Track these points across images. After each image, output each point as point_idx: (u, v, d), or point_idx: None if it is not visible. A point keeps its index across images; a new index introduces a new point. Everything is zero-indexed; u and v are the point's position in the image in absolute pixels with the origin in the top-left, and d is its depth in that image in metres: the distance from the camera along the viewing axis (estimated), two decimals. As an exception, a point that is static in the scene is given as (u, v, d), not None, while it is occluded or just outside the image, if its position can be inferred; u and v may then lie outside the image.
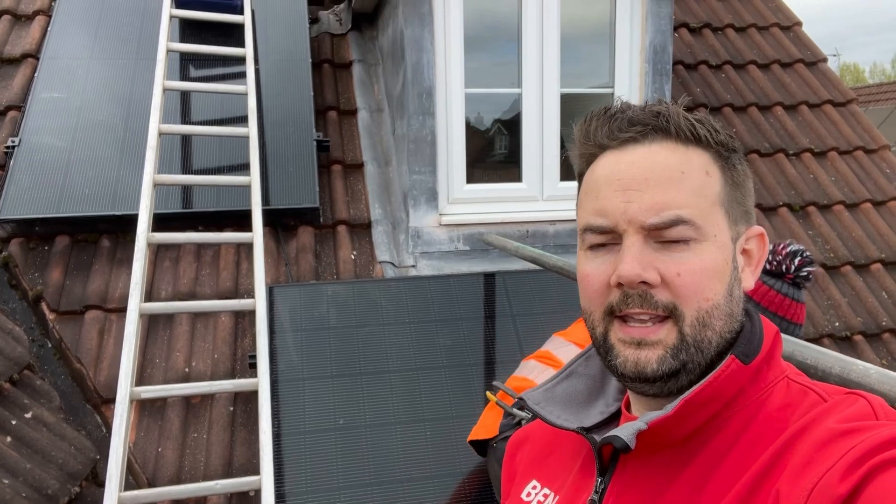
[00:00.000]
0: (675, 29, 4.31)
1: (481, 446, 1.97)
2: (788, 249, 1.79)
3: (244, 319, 2.86)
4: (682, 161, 0.69)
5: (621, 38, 3.30)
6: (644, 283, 0.67)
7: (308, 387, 2.54)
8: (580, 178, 0.77)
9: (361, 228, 3.24)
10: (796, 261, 1.77)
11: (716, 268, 0.68)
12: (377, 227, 3.23)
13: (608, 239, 0.70)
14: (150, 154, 2.59)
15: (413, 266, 3.15)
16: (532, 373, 1.94)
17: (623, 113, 0.72)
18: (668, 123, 0.70)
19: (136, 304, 2.13)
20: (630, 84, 3.33)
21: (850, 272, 3.45)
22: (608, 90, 3.35)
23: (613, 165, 0.71)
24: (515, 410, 1.81)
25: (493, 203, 3.26)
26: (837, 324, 3.23)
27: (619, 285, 0.68)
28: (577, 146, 0.77)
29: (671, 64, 3.37)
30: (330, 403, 2.52)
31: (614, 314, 0.70)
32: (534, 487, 0.84)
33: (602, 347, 0.72)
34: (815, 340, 3.18)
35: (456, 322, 2.84)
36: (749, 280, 0.73)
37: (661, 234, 0.68)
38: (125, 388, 1.96)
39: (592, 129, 0.74)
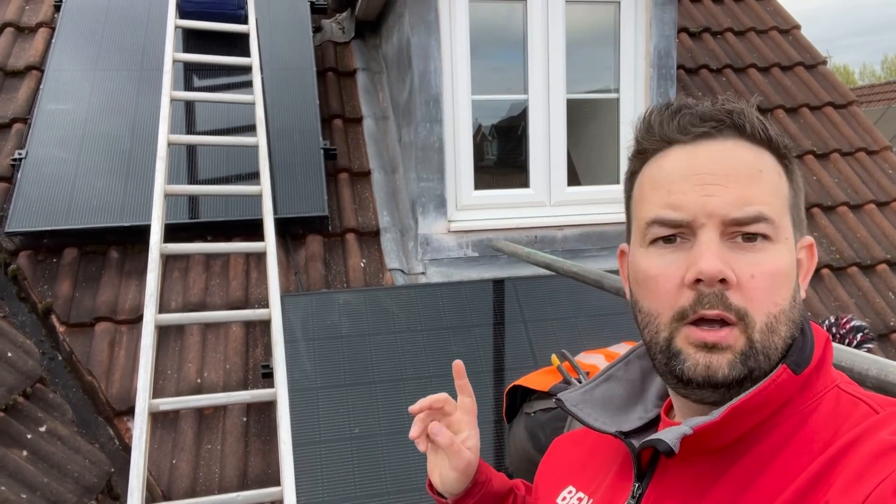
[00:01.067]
0: (677, 34, 4.33)
1: (513, 406, 1.95)
2: (852, 324, 1.86)
3: (255, 329, 2.85)
4: (759, 159, 0.68)
5: (626, 44, 3.31)
6: (722, 281, 0.65)
7: (322, 396, 2.54)
8: (633, 176, 0.75)
9: (370, 236, 3.24)
10: (859, 336, 1.85)
11: (787, 272, 0.67)
12: (386, 235, 3.22)
13: (675, 233, 0.68)
14: (160, 164, 2.59)
15: (423, 273, 3.15)
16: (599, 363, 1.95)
17: (690, 109, 0.70)
18: (743, 121, 0.69)
19: (151, 316, 2.12)
20: (635, 89, 3.35)
21: (856, 273, 3.46)
22: (613, 95, 3.37)
23: (687, 160, 0.69)
24: (573, 381, 1.81)
25: (502, 209, 3.26)
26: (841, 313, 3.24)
27: (696, 283, 0.65)
28: (636, 142, 0.74)
29: (675, 68, 3.39)
30: (345, 412, 2.51)
31: (685, 318, 0.66)
32: (569, 492, 0.83)
33: (665, 353, 0.69)
34: (824, 341, 3.19)
35: (468, 329, 2.84)
36: (802, 290, 0.72)
37: (737, 231, 0.66)
38: (143, 401, 1.95)
39: (657, 123, 0.72)
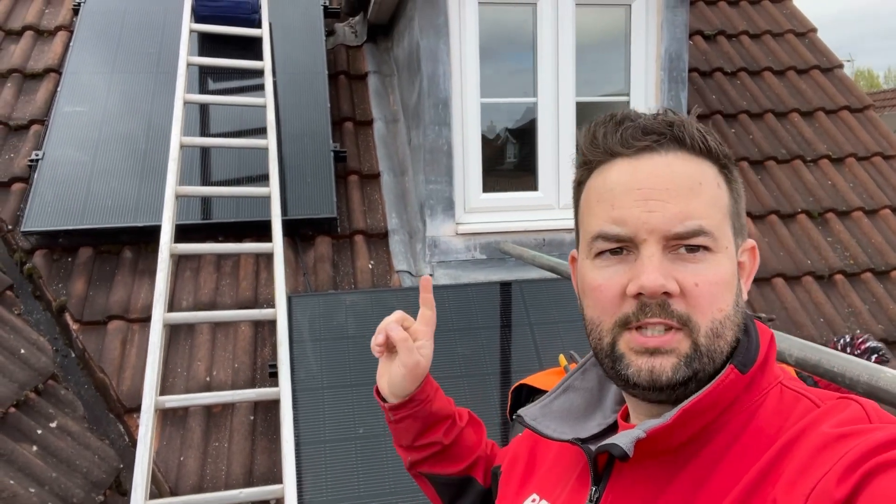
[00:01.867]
0: (690, 36, 4.31)
1: (517, 405, 1.96)
2: (867, 345, 1.83)
3: (264, 329, 2.89)
4: (698, 172, 0.70)
5: (637, 47, 3.31)
6: (665, 293, 0.67)
7: (328, 396, 2.56)
8: (580, 186, 0.77)
9: (378, 238, 3.26)
10: (873, 357, 1.82)
11: (728, 279, 0.69)
12: (394, 237, 3.25)
13: (622, 245, 0.70)
14: (172, 166, 2.63)
15: (430, 275, 3.16)
16: None
17: (633, 121, 0.72)
18: (683, 134, 0.70)
19: (160, 315, 2.16)
20: (646, 92, 3.34)
21: (870, 279, 3.42)
22: (624, 98, 3.36)
23: (630, 174, 0.70)
24: None
25: (510, 212, 3.27)
26: (858, 331, 3.20)
27: (638, 295, 0.68)
28: (581, 153, 0.76)
29: (687, 71, 3.37)
30: (350, 412, 2.53)
31: (628, 325, 0.69)
32: (533, 500, 0.85)
33: (609, 357, 0.71)
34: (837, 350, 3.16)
35: (474, 331, 2.84)
36: (743, 292, 0.74)
37: (679, 244, 0.68)
38: (150, 398, 1.98)
39: (601, 135, 0.73)
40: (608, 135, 0.72)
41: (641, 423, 0.70)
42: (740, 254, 0.74)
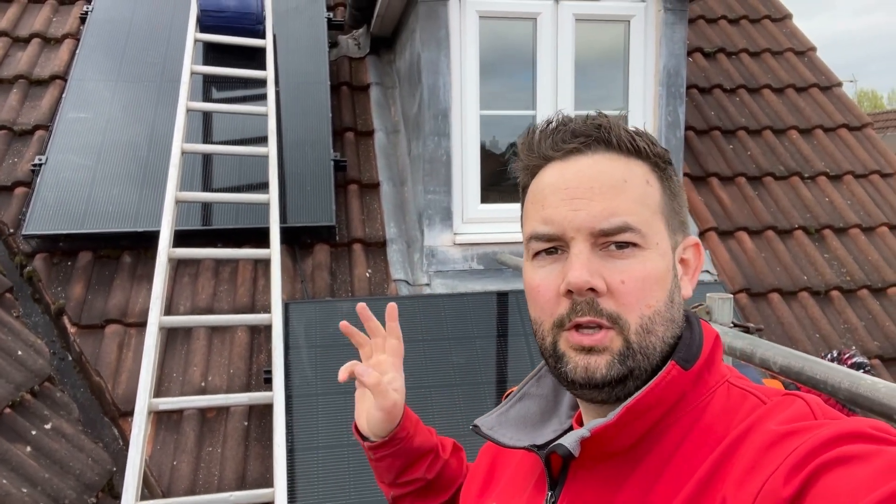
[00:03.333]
0: (690, 53, 4.35)
1: None
2: (854, 360, 1.85)
3: (260, 335, 2.90)
4: (624, 171, 0.72)
5: (635, 62, 3.34)
6: (592, 289, 0.68)
7: (322, 402, 2.57)
8: (524, 191, 0.79)
9: (377, 247, 3.28)
10: (860, 372, 1.86)
11: (658, 275, 0.70)
12: (392, 246, 3.27)
13: (554, 246, 0.72)
14: (172, 171, 2.66)
15: (427, 284, 3.18)
16: None
17: (565, 125, 0.74)
18: (609, 135, 0.72)
19: (156, 317, 2.18)
20: (644, 107, 3.37)
21: (867, 296, 3.42)
22: (622, 113, 3.39)
23: (559, 175, 0.73)
24: None
25: (508, 223, 3.29)
26: (854, 348, 3.20)
27: (568, 293, 0.69)
28: (521, 159, 0.78)
29: (685, 87, 3.41)
30: (343, 419, 2.54)
31: (564, 325, 0.70)
32: None
33: (552, 357, 0.73)
34: (832, 364, 3.16)
35: (469, 340, 2.85)
36: (687, 288, 0.76)
37: (608, 241, 0.69)
38: (144, 400, 2.00)
39: (536, 141, 0.76)
40: (542, 140, 0.75)
41: (588, 423, 0.71)
42: (682, 251, 0.76)
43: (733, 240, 3.57)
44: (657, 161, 0.74)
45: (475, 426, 0.83)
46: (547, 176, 0.74)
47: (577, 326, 0.69)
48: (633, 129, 0.75)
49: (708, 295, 1.57)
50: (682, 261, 0.76)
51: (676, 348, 0.71)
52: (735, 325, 1.49)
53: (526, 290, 0.76)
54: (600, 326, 0.68)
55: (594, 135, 0.72)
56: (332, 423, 2.52)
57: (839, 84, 4.45)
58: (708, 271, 3.42)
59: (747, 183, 3.79)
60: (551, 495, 0.75)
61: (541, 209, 0.72)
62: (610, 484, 0.69)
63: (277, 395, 2.12)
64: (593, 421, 0.70)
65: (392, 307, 1.04)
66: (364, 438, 1.02)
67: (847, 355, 1.91)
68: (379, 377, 0.96)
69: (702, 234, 3.56)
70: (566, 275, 0.69)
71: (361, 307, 1.03)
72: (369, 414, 0.99)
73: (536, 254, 0.73)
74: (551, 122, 0.75)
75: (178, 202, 2.62)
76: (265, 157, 2.98)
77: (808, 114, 4.19)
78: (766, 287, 3.36)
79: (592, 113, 0.76)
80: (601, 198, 0.69)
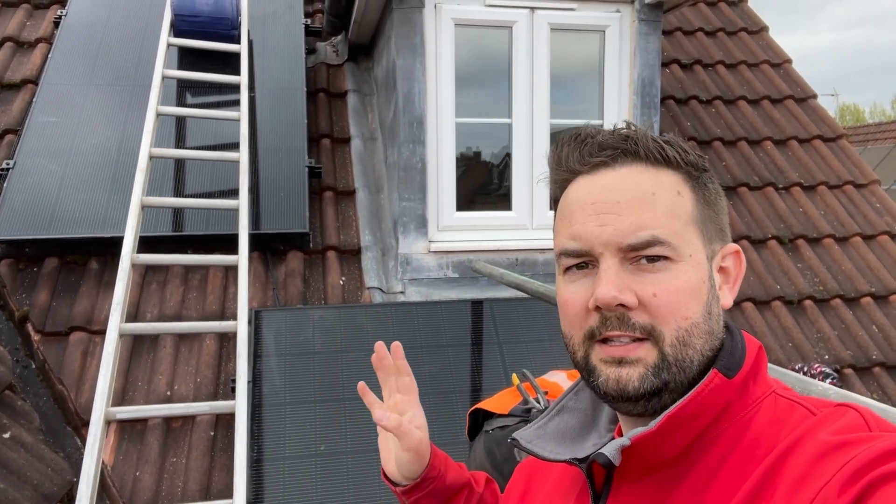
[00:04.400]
0: (667, 65, 4.39)
1: (475, 425, 1.95)
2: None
3: (229, 343, 2.85)
4: (652, 183, 0.70)
5: (610, 72, 3.35)
6: (621, 305, 0.67)
7: (290, 412, 2.52)
8: (555, 204, 0.78)
9: (351, 254, 3.25)
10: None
11: (692, 287, 0.68)
12: (367, 254, 3.24)
13: (584, 261, 0.71)
14: (139, 176, 2.62)
15: (402, 292, 3.15)
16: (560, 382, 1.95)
17: (593, 138, 0.73)
18: (636, 146, 0.71)
19: (116, 324, 2.13)
20: (619, 116, 3.38)
21: (839, 305, 3.44)
22: (597, 122, 3.40)
23: (586, 190, 0.72)
24: (532, 401, 1.82)
25: (483, 231, 3.28)
26: (827, 357, 3.21)
27: (598, 308, 0.68)
28: (550, 173, 0.78)
29: (659, 97, 3.42)
30: (312, 429, 2.50)
31: (595, 338, 0.70)
32: None
33: (584, 370, 0.72)
34: (805, 373, 3.16)
35: (442, 349, 2.83)
36: (727, 297, 0.74)
37: (637, 255, 0.68)
38: (100, 409, 1.95)
39: (564, 155, 0.75)
40: (570, 154, 0.74)
41: (629, 433, 0.69)
42: (721, 259, 0.74)
43: (708, 249, 3.57)
44: (689, 170, 0.72)
45: (514, 439, 0.81)
46: (574, 191, 0.73)
47: (607, 339, 0.69)
48: (665, 137, 0.73)
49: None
50: (722, 269, 0.74)
51: (718, 357, 0.70)
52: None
53: (559, 304, 0.75)
54: (632, 339, 0.67)
55: (621, 147, 0.71)
56: (299, 433, 2.48)
57: (814, 96, 4.50)
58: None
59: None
60: None
61: (569, 225, 0.72)
62: (655, 496, 0.68)
63: (240, 404, 2.08)
64: (634, 430, 0.68)
65: (397, 347, 1.02)
66: (395, 484, 0.99)
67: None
68: (399, 418, 0.94)
69: (677, 244, 3.56)
70: (595, 290, 0.68)
71: (396, 347, 1.01)
72: (397, 457, 0.96)
73: (567, 269, 0.73)
74: (579, 134, 0.75)
75: (143, 207, 2.58)
76: (237, 163, 2.94)
77: (783, 125, 4.23)
78: (739, 296, 3.36)
79: (621, 124, 0.75)
80: (628, 212, 0.68)
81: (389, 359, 1.01)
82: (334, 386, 2.62)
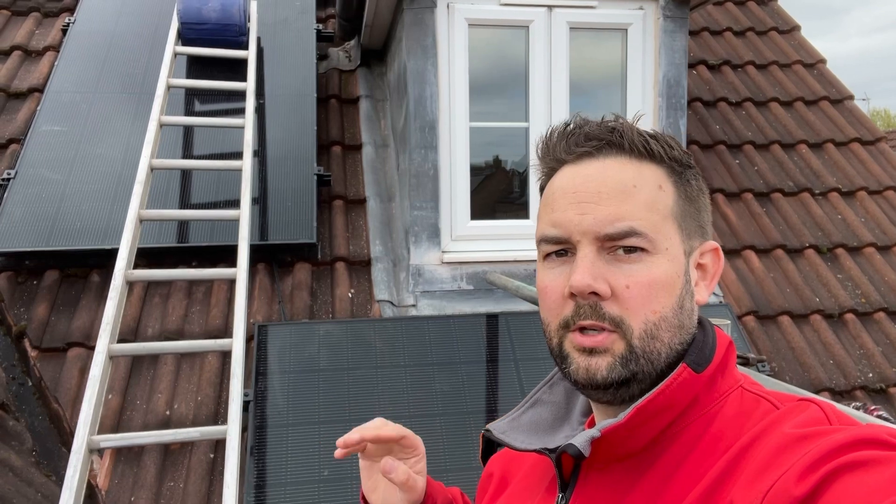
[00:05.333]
0: (694, 66, 4.19)
1: (489, 448, 1.80)
2: (879, 413, 1.74)
3: (231, 360, 2.72)
4: (634, 175, 0.71)
5: (633, 72, 3.18)
6: (594, 293, 0.68)
7: (292, 434, 2.38)
8: (541, 192, 0.79)
9: (361, 266, 3.11)
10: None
11: (665, 280, 0.70)
12: (377, 265, 3.09)
13: (563, 248, 0.72)
14: (137, 189, 2.51)
15: (413, 305, 2.99)
16: None
17: (580, 128, 0.75)
18: (622, 139, 0.72)
19: (104, 346, 2.00)
20: (643, 120, 3.19)
21: (883, 319, 3.20)
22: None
23: (569, 179, 0.73)
24: None
25: (499, 240, 3.11)
26: (871, 374, 2.98)
27: (572, 296, 0.70)
28: (538, 161, 0.79)
29: (686, 98, 3.24)
30: (315, 452, 2.35)
31: (569, 327, 0.71)
32: None
33: (558, 357, 0.73)
34: (848, 393, 2.93)
35: (454, 366, 2.67)
36: (703, 293, 0.75)
37: (614, 245, 0.69)
38: (82, 438, 1.81)
39: (552, 144, 0.76)
40: (557, 143, 0.76)
41: (599, 424, 0.70)
42: (700, 256, 0.75)
43: (740, 259, 3.36)
44: (673, 165, 0.74)
45: (487, 430, 0.83)
46: (559, 179, 0.75)
47: (581, 329, 0.70)
48: (651, 132, 0.75)
49: (703, 320, 1.37)
50: (700, 266, 0.75)
51: (688, 351, 0.71)
52: (734, 356, 1.29)
53: (537, 291, 0.76)
54: (603, 329, 0.69)
55: (606, 138, 0.73)
56: (302, 457, 2.33)
57: (851, 97, 4.26)
58: (713, 292, 3.21)
59: (754, 199, 3.60)
60: (562, 497, 0.74)
61: (550, 212, 0.73)
62: (620, 486, 0.69)
63: (232, 430, 1.93)
64: (604, 421, 0.70)
65: (381, 425, 0.92)
66: None
67: (873, 408, 1.75)
68: (407, 471, 0.89)
69: (706, 253, 3.35)
70: (570, 277, 0.70)
71: (341, 441, 0.92)
72: (388, 499, 0.92)
73: (546, 255, 0.74)
74: (568, 125, 0.76)
75: (142, 221, 2.46)
76: (240, 172, 2.82)
77: (819, 127, 4.01)
78: (775, 309, 3.15)
79: (610, 116, 0.76)
80: (608, 202, 0.70)
81: (362, 444, 0.90)
82: (340, 406, 2.47)
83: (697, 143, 3.76)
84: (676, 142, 0.75)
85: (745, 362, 1.27)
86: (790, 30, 4.62)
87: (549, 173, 0.77)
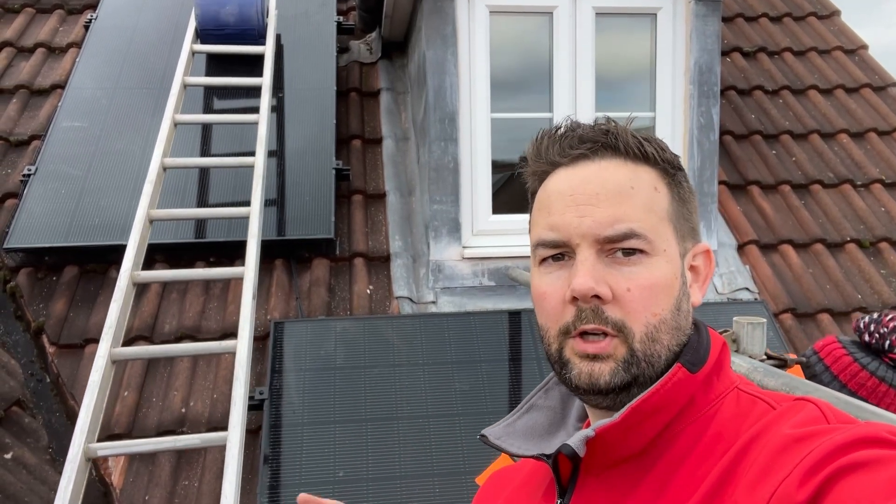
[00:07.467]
0: (728, 53, 4.03)
1: None
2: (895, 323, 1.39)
3: (235, 363, 2.67)
4: (631, 177, 0.71)
5: (663, 59, 3.04)
6: (596, 297, 0.68)
7: (307, 433, 2.32)
8: (533, 196, 0.78)
9: (380, 261, 3.04)
10: None
11: (665, 283, 0.69)
12: (396, 261, 3.02)
13: (561, 252, 0.71)
14: (147, 188, 2.47)
15: (433, 302, 2.92)
16: None
17: (573, 131, 0.74)
18: (616, 141, 0.72)
19: (105, 350, 1.95)
20: (673, 108, 3.07)
21: (932, 317, 3.01)
22: (649, 114, 3.09)
23: (566, 182, 0.72)
24: None
25: (522, 235, 2.99)
26: (886, 310, 2.81)
27: (574, 300, 0.69)
28: (529, 164, 0.78)
29: (719, 85, 3.09)
30: (330, 453, 2.29)
31: (569, 333, 0.70)
32: None
33: (558, 363, 0.72)
34: (893, 395, 2.77)
35: (475, 364, 2.58)
36: (696, 295, 0.75)
37: (614, 248, 0.69)
38: (78, 445, 1.75)
39: (544, 147, 0.75)
40: (550, 146, 0.75)
41: (593, 424, 0.70)
42: (692, 258, 0.75)
43: (776, 254, 3.21)
44: (666, 167, 0.74)
45: (483, 436, 0.83)
46: (553, 182, 0.74)
47: (583, 334, 0.69)
48: (644, 135, 0.75)
49: (735, 319, 1.26)
50: (692, 268, 0.76)
51: (683, 352, 0.71)
52: (769, 357, 1.18)
53: (533, 296, 0.76)
54: (605, 334, 0.68)
55: (601, 140, 0.72)
56: (316, 457, 2.27)
57: (894, 83, 4.05)
58: (747, 289, 3.07)
59: (792, 191, 3.43)
60: (560, 503, 0.74)
61: (547, 215, 0.73)
62: (619, 491, 0.69)
63: (232, 436, 1.85)
64: (599, 421, 0.69)
65: None
66: None
67: (889, 317, 1.42)
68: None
69: (741, 248, 3.21)
70: (571, 281, 0.69)
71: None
72: None
73: (543, 260, 0.73)
74: (560, 128, 0.76)
75: (152, 221, 2.42)
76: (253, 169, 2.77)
77: (860, 116, 3.81)
78: (814, 307, 2.99)
79: (601, 118, 0.77)
80: (607, 204, 0.69)
81: None
82: (356, 405, 2.40)
83: (731, 133, 3.60)
84: (666, 145, 0.76)
85: (783, 364, 1.15)
86: (829, 15, 4.41)
87: (541, 177, 0.76)
